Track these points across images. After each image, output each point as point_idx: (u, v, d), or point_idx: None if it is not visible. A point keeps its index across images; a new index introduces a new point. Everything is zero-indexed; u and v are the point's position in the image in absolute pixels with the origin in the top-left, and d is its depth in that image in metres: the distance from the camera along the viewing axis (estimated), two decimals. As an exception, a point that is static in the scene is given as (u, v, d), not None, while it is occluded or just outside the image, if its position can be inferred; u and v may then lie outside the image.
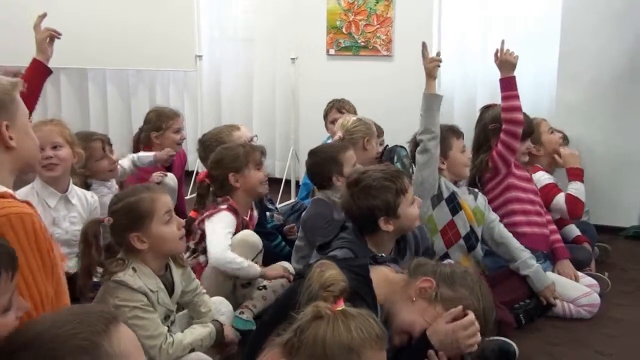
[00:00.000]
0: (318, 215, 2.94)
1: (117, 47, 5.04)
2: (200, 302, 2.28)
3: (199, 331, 2.19)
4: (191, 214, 2.87)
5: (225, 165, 2.82)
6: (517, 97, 3.12)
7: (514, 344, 2.52)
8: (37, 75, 2.61)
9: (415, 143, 2.95)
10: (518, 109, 3.11)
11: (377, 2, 4.83)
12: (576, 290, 2.98)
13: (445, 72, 4.64)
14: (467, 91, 4.72)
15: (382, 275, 1.94)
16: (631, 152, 4.02)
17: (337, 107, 4.15)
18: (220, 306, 2.47)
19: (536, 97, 4.41)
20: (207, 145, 3.29)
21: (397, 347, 1.82)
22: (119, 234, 2.08)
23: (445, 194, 2.91)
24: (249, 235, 2.72)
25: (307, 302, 1.44)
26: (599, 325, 2.89)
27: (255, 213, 2.98)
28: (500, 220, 3.06)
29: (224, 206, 2.74)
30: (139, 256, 2.08)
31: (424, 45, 2.93)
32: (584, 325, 2.89)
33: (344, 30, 4.96)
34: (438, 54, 3.00)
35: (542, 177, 3.46)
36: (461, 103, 4.72)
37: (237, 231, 2.70)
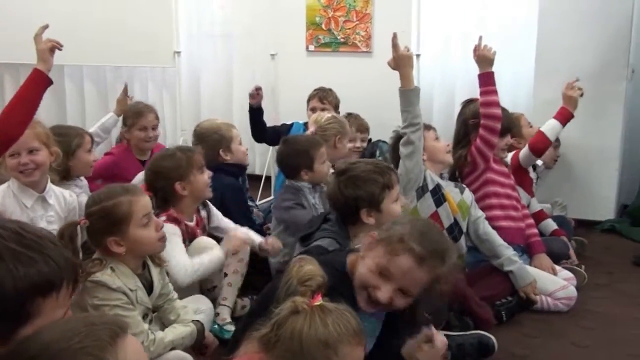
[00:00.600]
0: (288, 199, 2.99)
1: (95, 43, 4.98)
2: (170, 309, 2.23)
3: (180, 330, 2.18)
4: None
5: (169, 174, 2.65)
6: (495, 92, 3.14)
7: (492, 338, 2.55)
8: (38, 85, 2.53)
9: (397, 137, 2.94)
10: (496, 104, 3.13)
11: (356, -1, 4.84)
12: (554, 283, 3.02)
13: (424, 68, 4.68)
14: (446, 87, 4.76)
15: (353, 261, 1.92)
16: (606, 148, 4.09)
17: (320, 97, 4.19)
18: (199, 304, 2.46)
19: (514, 94, 4.47)
20: (204, 136, 3.27)
21: (367, 312, 1.80)
22: (95, 237, 2.04)
23: (430, 186, 2.92)
24: (202, 242, 2.68)
25: (285, 297, 1.44)
26: (576, 318, 2.94)
27: (204, 213, 2.86)
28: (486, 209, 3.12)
29: (163, 218, 2.55)
30: (117, 257, 2.05)
31: (394, 35, 2.82)
32: (561, 318, 2.93)
33: (323, 26, 4.96)
34: (407, 49, 2.87)
35: None
36: (440, 99, 4.75)
37: (183, 238, 2.63)
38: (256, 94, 4.01)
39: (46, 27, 2.63)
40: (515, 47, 4.49)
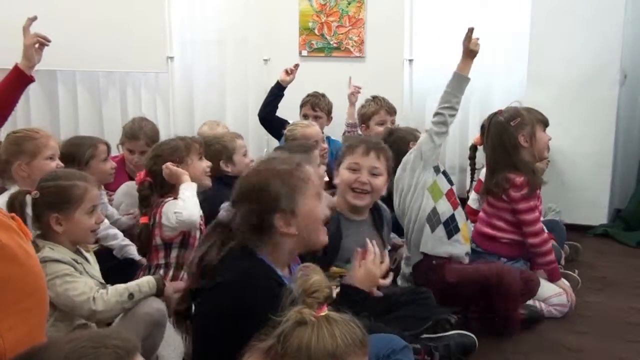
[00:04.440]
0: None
1: (88, 48, 4.97)
2: None
3: (136, 281, 2.23)
4: (142, 220, 2.71)
5: (166, 158, 2.70)
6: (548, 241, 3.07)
7: (473, 336, 2.57)
8: (17, 83, 2.50)
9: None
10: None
11: (349, 4, 4.85)
12: (548, 289, 3.01)
13: (416, 72, 4.69)
14: (439, 92, 4.72)
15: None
16: (600, 153, 4.10)
17: (312, 104, 4.23)
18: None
19: (506, 100, 4.45)
20: (206, 145, 3.26)
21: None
22: (41, 210, 2.14)
23: (441, 168, 2.96)
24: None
25: (289, 306, 1.41)
26: (569, 323, 2.94)
27: None
28: (490, 223, 3.12)
29: (170, 198, 2.64)
30: (54, 238, 2.15)
31: (471, 29, 2.87)
32: (555, 323, 2.93)
33: (316, 31, 4.96)
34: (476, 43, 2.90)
35: None
36: (433, 104, 4.72)
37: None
38: (292, 71, 4.16)
39: (34, 18, 2.59)
40: (508, 53, 4.50)
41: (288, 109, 4.36)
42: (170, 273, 2.63)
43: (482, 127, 3.27)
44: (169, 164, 2.68)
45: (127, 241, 2.97)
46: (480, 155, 3.43)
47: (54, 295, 2.03)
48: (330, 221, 1.97)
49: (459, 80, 2.88)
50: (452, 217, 2.90)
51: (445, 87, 2.90)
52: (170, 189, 2.68)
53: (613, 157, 4.16)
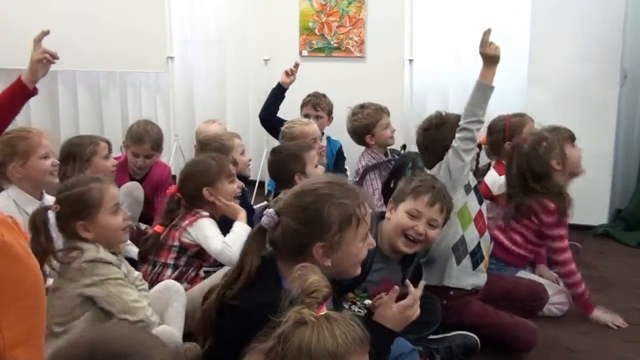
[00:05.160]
0: None
1: (88, 48, 4.97)
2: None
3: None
4: (156, 228, 2.76)
5: (197, 178, 2.75)
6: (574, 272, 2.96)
7: (475, 337, 2.56)
8: (18, 96, 2.47)
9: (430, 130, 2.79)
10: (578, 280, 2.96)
11: (350, 4, 4.85)
12: (549, 288, 3.01)
13: (416, 72, 4.68)
14: (439, 93, 4.76)
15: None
16: (600, 154, 4.09)
17: (314, 104, 4.23)
18: (170, 292, 2.39)
19: (507, 100, 4.45)
20: (204, 144, 3.28)
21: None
22: (65, 221, 2.13)
23: (472, 184, 2.77)
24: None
25: (288, 306, 1.39)
26: (570, 323, 2.94)
27: None
28: (509, 236, 3.08)
29: (205, 213, 2.71)
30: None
31: (487, 32, 2.63)
32: (555, 323, 2.93)
33: (316, 31, 4.96)
34: (495, 47, 2.66)
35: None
36: (434, 105, 4.73)
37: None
38: (293, 72, 4.12)
39: (47, 32, 2.54)
40: (508, 53, 4.45)
41: (288, 109, 4.35)
42: (175, 274, 2.65)
43: (489, 128, 3.26)
44: (222, 200, 2.73)
45: (128, 241, 2.98)
46: (483, 154, 3.44)
47: (104, 294, 2.05)
48: (367, 254, 1.83)
49: (483, 90, 2.63)
50: (478, 246, 2.74)
51: (469, 99, 2.65)
52: (199, 206, 2.73)
53: (613, 157, 4.15)
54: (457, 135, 2.63)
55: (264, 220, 1.75)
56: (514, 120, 3.46)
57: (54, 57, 2.49)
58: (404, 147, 4.03)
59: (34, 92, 2.46)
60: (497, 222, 3.13)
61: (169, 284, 2.42)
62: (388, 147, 4.06)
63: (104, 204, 2.15)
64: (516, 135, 3.40)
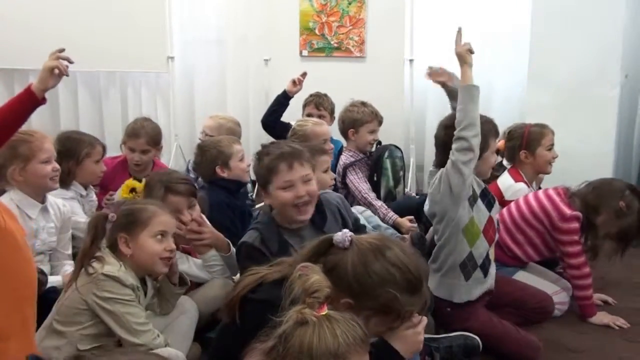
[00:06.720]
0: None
1: (88, 48, 4.95)
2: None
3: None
4: None
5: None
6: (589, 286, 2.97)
7: (477, 338, 2.54)
8: (26, 104, 2.43)
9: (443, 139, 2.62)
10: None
11: (350, 4, 4.85)
12: (547, 288, 3.01)
13: (416, 72, 4.68)
14: (439, 91, 4.69)
15: None
16: (600, 153, 4.09)
17: (316, 103, 4.22)
18: (183, 304, 2.43)
19: (507, 100, 4.47)
20: (203, 150, 3.27)
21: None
22: (112, 230, 2.15)
23: (478, 190, 2.62)
24: None
25: (289, 306, 1.40)
26: (570, 323, 2.93)
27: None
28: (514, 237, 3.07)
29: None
30: (123, 258, 2.13)
31: (458, 31, 2.56)
32: (555, 323, 2.92)
33: (317, 31, 4.97)
34: (468, 47, 2.56)
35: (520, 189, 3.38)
36: (435, 105, 4.75)
37: None
38: (300, 81, 4.11)
39: (62, 50, 2.49)
40: (508, 53, 4.50)
41: (289, 109, 4.35)
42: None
43: (508, 134, 3.26)
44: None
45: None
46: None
47: (109, 310, 2.03)
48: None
49: (467, 91, 2.48)
50: (487, 255, 2.65)
51: (457, 105, 2.51)
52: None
53: (614, 157, 4.15)
54: (453, 146, 2.48)
55: (336, 238, 1.68)
56: (534, 130, 3.45)
57: (65, 70, 2.42)
58: (379, 143, 4.02)
59: (42, 101, 2.42)
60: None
61: (181, 299, 2.42)
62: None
63: (149, 226, 2.14)
64: (533, 145, 3.40)
